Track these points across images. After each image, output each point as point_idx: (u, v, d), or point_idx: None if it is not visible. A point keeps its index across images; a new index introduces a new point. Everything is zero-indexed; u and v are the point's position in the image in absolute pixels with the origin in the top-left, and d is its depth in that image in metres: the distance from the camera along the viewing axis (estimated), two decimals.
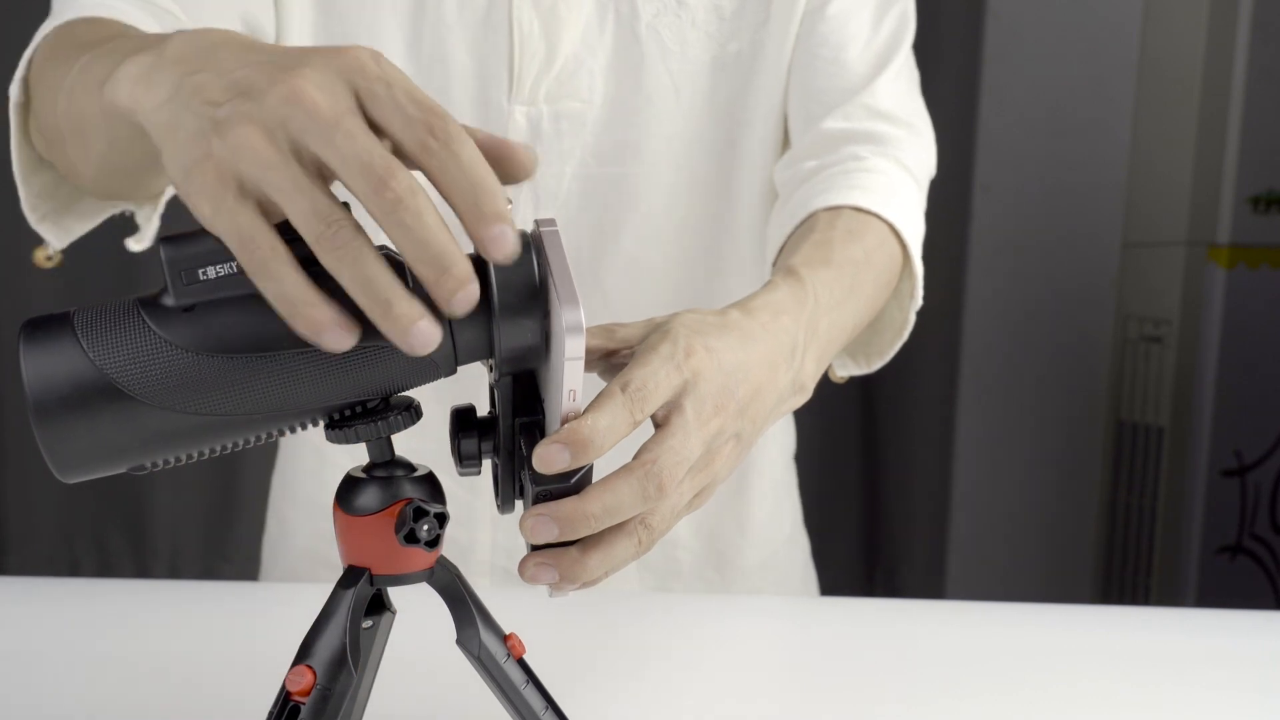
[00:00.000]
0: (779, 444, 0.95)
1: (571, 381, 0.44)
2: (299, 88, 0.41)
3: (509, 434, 0.47)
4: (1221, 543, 2.17)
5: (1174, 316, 2.16)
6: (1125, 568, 2.31)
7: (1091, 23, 2.22)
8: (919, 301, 0.79)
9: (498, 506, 0.50)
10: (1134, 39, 2.23)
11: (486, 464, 0.50)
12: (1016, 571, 2.31)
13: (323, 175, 0.41)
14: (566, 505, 0.47)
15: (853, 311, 0.70)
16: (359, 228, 0.40)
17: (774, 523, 0.95)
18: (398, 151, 0.41)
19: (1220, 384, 2.12)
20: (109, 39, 0.57)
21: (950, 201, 2.17)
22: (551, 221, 0.45)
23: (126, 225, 0.75)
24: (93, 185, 0.62)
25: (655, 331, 0.53)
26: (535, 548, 0.49)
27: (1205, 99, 2.10)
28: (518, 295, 0.43)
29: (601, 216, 0.84)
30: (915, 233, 0.79)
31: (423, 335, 0.40)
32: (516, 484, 0.49)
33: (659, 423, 0.51)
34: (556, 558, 0.48)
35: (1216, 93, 2.08)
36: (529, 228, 0.45)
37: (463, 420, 0.48)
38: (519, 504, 0.50)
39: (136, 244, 0.77)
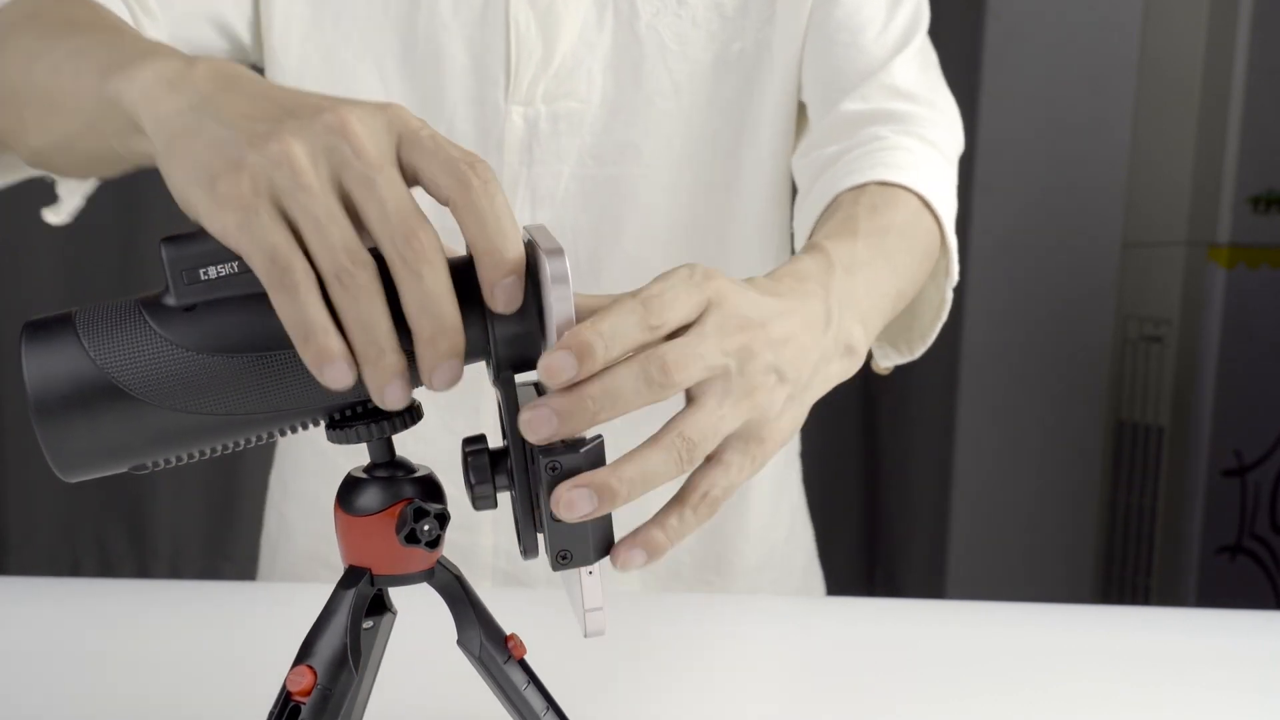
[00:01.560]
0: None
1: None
2: (346, 120, 0.42)
3: (517, 439, 0.45)
4: (1221, 543, 2.17)
5: (1174, 316, 2.17)
6: (1125, 568, 2.31)
7: (1091, 23, 2.22)
8: (955, 278, 0.76)
9: (521, 554, 0.47)
10: (1134, 39, 2.24)
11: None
12: (1016, 571, 2.31)
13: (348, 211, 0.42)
14: (560, 394, 0.43)
15: (888, 276, 0.66)
16: (379, 275, 0.41)
17: (773, 522, 0.95)
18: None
19: (1220, 384, 2.12)
20: (107, 29, 0.57)
21: None
22: (541, 227, 0.45)
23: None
24: (34, 154, 0.61)
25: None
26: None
27: (1205, 99, 2.10)
28: None
29: (601, 217, 0.84)
30: (947, 206, 0.76)
31: (395, 393, 0.42)
32: (535, 512, 0.46)
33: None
34: (588, 479, 0.44)
35: (1216, 93, 2.09)
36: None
37: (473, 446, 0.47)
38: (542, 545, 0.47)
39: (54, 217, 0.76)
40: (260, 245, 0.40)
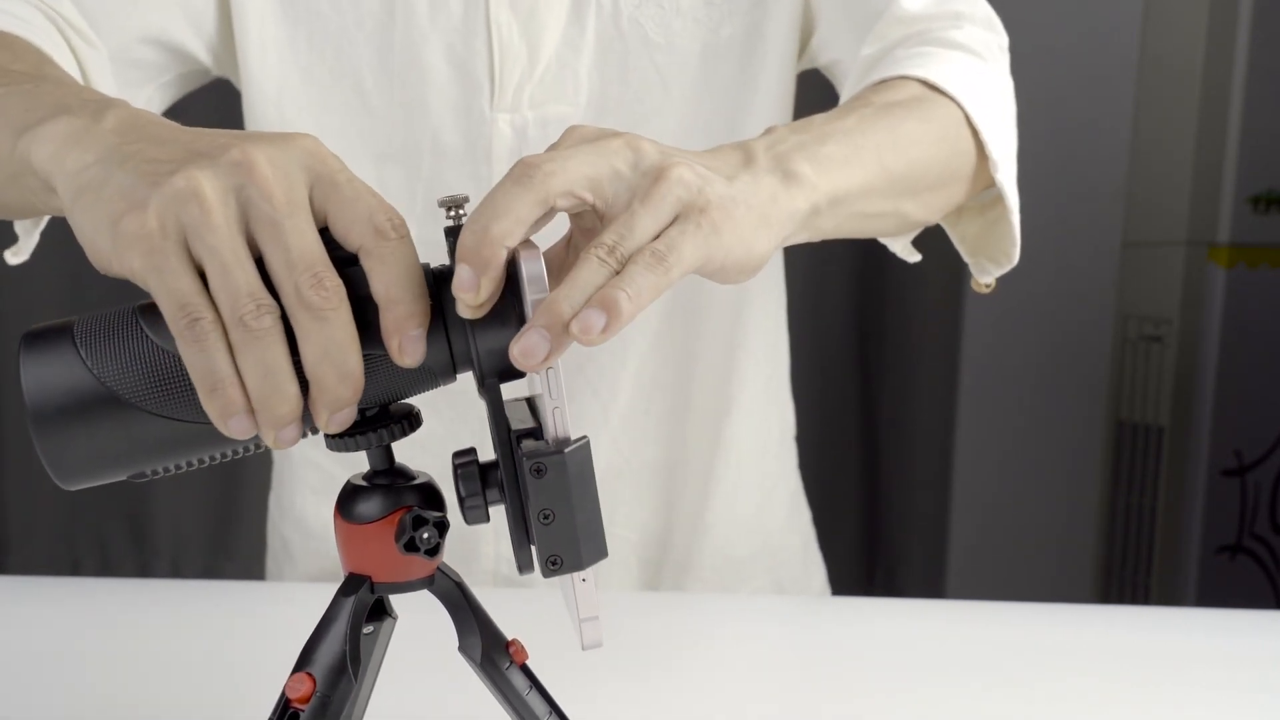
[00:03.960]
0: (773, 425, 0.94)
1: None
2: (254, 159, 0.41)
3: (505, 449, 0.45)
4: (1221, 542, 2.17)
5: (1174, 316, 2.16)
6: (1125, 568, 2.31)
7: (1091, 23, 2.22)
8: (994, 159, 0.71)
9: (518, 569, 0.47)
10: (1134, 39, 2.23)
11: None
12: (1016, 571, 2.32)
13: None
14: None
15: (856, 122, 0.62)
16: (281, 320, 0.41)
17: (767, 510, 0.94)
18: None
19: (1220, 384, 2.12)
20: (25, 78, 0.56)
21: None
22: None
23: None
24: None
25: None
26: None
27: (1205, 99, 2.10)
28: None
29: None
30: (962, 87, 0.70)
31: (288, 436, 0.42)
32: (526, 522, 0.45)
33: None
34: (534, 322, 0.42)
35: (1216, 93, 2.08)
36: None
37: (463, 459, 0.46)
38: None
39: (14, 257, 0.76)
40: (169, 293, 0.40)
